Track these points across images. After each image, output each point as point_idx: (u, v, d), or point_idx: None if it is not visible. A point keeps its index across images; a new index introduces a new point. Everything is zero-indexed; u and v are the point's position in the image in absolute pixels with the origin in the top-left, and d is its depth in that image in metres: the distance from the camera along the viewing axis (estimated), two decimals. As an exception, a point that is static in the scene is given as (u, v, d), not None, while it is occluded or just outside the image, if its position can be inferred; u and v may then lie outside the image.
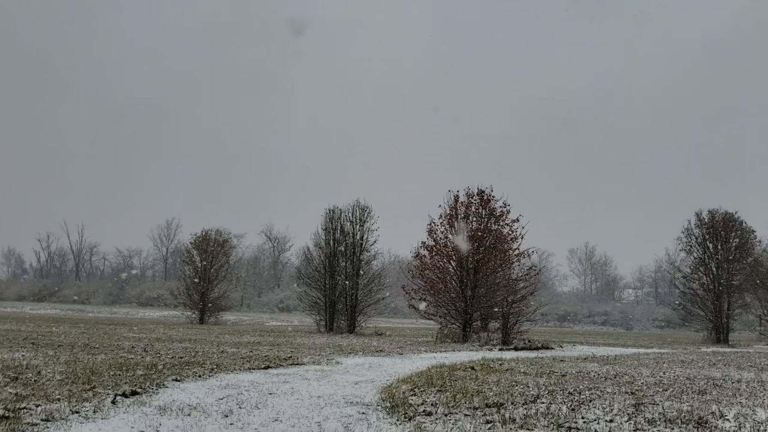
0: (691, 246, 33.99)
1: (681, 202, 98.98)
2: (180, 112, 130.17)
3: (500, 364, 11.96)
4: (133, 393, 6.84)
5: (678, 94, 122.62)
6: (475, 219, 23.76)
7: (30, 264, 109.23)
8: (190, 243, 38.96)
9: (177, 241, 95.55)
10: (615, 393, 7.93)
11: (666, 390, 8.46)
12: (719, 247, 33.10)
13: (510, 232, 23.81)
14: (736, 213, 33.31)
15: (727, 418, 6.24)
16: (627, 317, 75.93)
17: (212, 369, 9.58)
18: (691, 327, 35.95)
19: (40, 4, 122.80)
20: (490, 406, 6.55)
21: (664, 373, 11.17)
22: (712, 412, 6.49)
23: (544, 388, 8.24)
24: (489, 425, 5.64)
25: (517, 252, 23.93)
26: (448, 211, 23.93)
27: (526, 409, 6.46)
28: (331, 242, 29.36)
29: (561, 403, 6.96)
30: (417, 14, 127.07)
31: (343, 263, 29.20)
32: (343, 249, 29.19)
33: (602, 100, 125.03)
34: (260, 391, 7.57)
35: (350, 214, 29.47)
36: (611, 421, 5.95)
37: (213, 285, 37.69)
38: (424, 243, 24.28)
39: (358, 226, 29.39)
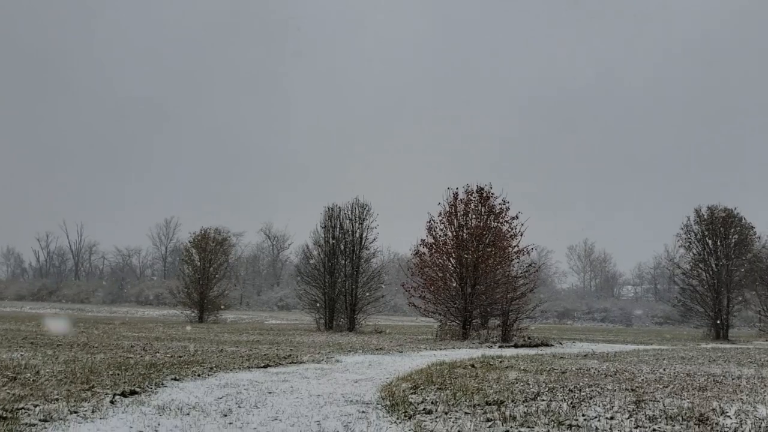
0: (690, 242, 33.98)
1: (681, 200, 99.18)
2: (180, 112, 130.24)
3: (500, 362, 11.95)
4: (132, 392, 6.82)
5: (678, 93, 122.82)
6: (474, 216, 23.73)
7: (29, 263, 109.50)
8: (189, 242, 38.98)
9: (176, 240, 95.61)
10: (615, 390, 7.91)
11: (666, 387, 8.44)
12: (718, 243, 33.09)
13: (509, 230, 23.78)
14: (735, 209, 33.38)
15: (728, 414, 6.22)
16: (626, 314, 75.94)
17: (211, 368, 9.56)
18: (691, 323, 35.94)
19: (40, 4, 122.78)
20: (490, 404, 6.53)
21: (664, 370, 11.16)
22: (713, 409, 6.47)
23: (544, 385, 8.23)
24: (489, 423, 5.62)
25: (516, 249, 23.90)
26: (447, 209, 23.88)
27: (526, 406, 6.44)
28: (331, 240, 29.33)
29: (561, 400, 6.94)
30: (417, 14, 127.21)
31: (343, 261, 29.16)
32: (342, 247, 29.15)
33: (602, 100, 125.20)
34: (259, 390, 7.55)
35: (349, 212, 29.44)
36: (612, 418, 5.93)
37: (212, 284, 37.68)
38: (424, 241, 24.26)
39: (357, 224, 29.35)
